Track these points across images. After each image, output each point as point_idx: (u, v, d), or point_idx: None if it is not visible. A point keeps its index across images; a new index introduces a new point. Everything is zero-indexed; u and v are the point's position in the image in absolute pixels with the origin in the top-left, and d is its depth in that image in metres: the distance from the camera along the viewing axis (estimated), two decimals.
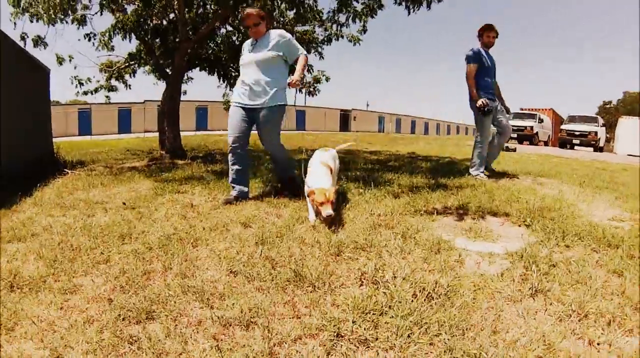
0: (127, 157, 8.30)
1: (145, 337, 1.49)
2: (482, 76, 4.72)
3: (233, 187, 3.61)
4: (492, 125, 4.91)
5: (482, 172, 4.90)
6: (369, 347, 1.45)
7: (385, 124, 46.37)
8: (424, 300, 1.70)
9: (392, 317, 1.59)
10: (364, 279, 1.95)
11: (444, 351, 1.39)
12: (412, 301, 1.69)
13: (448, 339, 1.44)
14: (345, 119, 43.21)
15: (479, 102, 4.59)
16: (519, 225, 2.80)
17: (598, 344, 1.55)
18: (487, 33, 4.78)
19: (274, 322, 1.61)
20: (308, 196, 2.93)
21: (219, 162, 6.31)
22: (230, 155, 3.59)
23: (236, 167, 3.58)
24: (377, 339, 1.47)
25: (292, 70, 3.58)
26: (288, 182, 3.85)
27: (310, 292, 1.85)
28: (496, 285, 1.87)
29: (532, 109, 23.01)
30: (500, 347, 1.43)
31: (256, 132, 3.67)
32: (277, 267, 2.11)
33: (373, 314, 1.61)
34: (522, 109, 22.19)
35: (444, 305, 1.67)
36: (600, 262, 2.24)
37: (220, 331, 1.55)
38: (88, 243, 2.46)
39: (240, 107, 3.54)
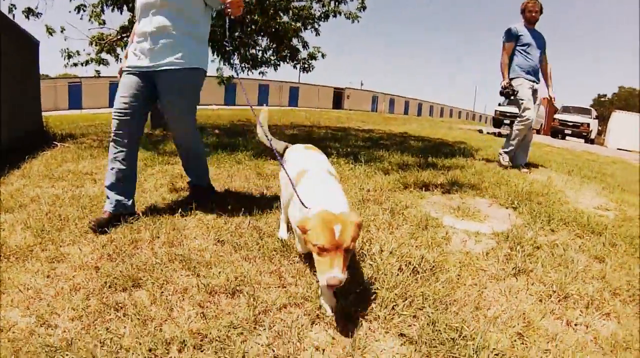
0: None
1: (131, 303, 1.51)
2: (522, 55, 4.52)
3: (107, 197, 2.34)
4: (533, 111, 4.50)
5: (507, 156, 4.66)
6: (353, 317, 1.47)
7: (378, 103, 46.17)
8: (410, 274, 1.73)
9: (378, 289, 1.62)
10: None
11: (427, 324, 1.42)
12: (398, 274, 1.72)
13: (432, 313, 1.48)
14: (338, 97, 42.83)
15: (502, 83, 4.52)
16: (507, 207, 2.85)
17: (576, 325, 1.60)
18: (529, 8, 4.56)
19: (259, 291, 1.63)
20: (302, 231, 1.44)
21: (213, 136, 6.28)
22: (111, 145, 2.35)
23: (117, 165, 2.33)
24: (361, 310, 1.50)
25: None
26: (200, 189, 2.71)
27: (297, 262, 1.87)
28: (481, 264, 1.91)
29: None
30: (482, 322, 1.47)
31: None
32: (264, 237, 2.11)
33: (359, 286, 1.64)
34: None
35: (429, 279, 1.71)
36: (583, 247, 2.30)
37: (205, 298, 1.57)
38: (76, 213, 2.42)
39: (135, 72, 2.32)
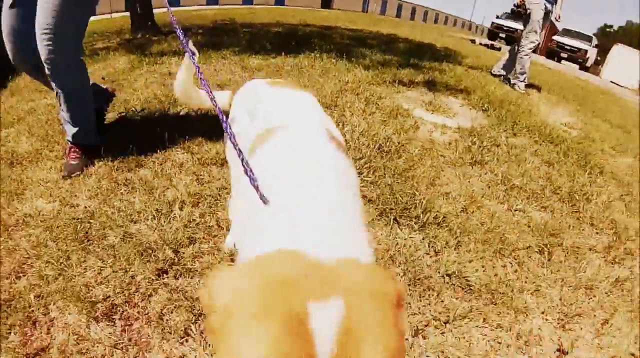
0: (95, 39, 7.64)
1: (137, 179, 1.83)
2: None
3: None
4: (539, 35, 4.61)
5: (522, 82, 4.77)
6: None
7: (369, 4, 43.79)
8: (376, 150, 2.01)
9: None
10: None
11: (386, 189, 1.73)
12: (365, 150, 1.99)
13: (391, 182, 1.79)
14: None
15: (517, 1, 4.52)
16: (477, 109, 3.14)
17: (515, 210, 1.99)
18: None
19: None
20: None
21: (198, 35, 6.09)
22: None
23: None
24: None
25: None
26: (89, 149, 1.99)
27: None
28: (442, 151, 2.22)
29: None
30: (434, 194, 1.81)
31: None
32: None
33: None
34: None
35: (393, 157, 2.00)
36: (538, 152, 2.66)
37: (199, 169, 1.91)
38: None
39: None
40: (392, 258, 1.46)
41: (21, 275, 1.34)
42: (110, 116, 2.47)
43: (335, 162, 0.71)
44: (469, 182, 2.03)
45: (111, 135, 2.24)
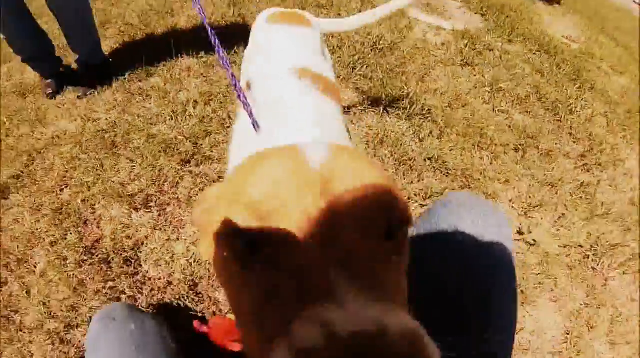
0: None
1: (149, 87, 2.04)
2: None
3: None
4: None
5: None
6: None
7: None
8: (369, 48, 2.14)
9: (341, 56, 2.04)
10: None
11: (378, 82, 1.89)
12: (360, 47, 2.12)
13: (382, 76, 1.95)
14: None
15: None
16: (476, 13, 3.19)
17: (499, 111, 2.18)
18: None
19: None
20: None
21: None
22: None
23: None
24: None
25: None
26: (93, 68, 2.14)
27: None
28: (434, 51, 2.35)
29: None
30: (422, 89, 1.98)
31: None
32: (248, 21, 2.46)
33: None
34: None
35: (385, 54, 2.15)
36: (531, 60, 2.79)
37: (206, 71, 2.13)
38: None
39: None
40: (381, 141, 1.69)
41: (64, 187, 1.62)
42: (112, 32, 2.55)
43: (312, 99, 0.84)
44: (457, 81, 2.20)
45: (116, 51, 2.37)
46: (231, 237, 0.39)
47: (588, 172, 1.99)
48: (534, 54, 2.89)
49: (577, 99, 2.49)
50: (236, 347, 1.13)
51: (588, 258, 1.59)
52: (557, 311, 1.43)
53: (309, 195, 0.36)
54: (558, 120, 2.27)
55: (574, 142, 2.15)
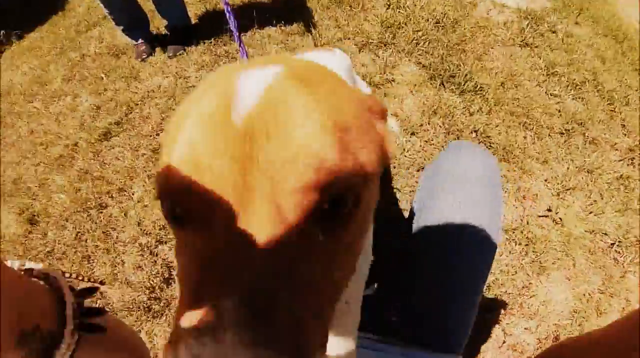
0: None
1: (233, 50, 2.29)
2: None
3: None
4: None
5: None
6: (388, 47, 2.16)
7: None
8: (433, 24, 2.29)
9: (406, 31, 2.22)
10: (390, 3, 2.54)
11: (437, 58, 2.08)
12: (423, 23, 2.28)
13: (442, 52, 2.12)
14: None
15: None
16: None
17: (551, 94, 2.27)
18: None
19: (322, 30, 2.37)
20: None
21: None
22: None
23: None
24: (393, 44, 2.17)
25: None
26: (179, 31, 2.54)
27: (348, 11, 2.51)
28: (495, 30, 2.45)
29: None
30: (478, 67, 2.13)
31: None
32: None
33: (393, 28, 2.26)
34: None
35: (447, 30, 2.29)
36: (596, 46, 2.79)
37: (285, 38, 2.38)
38: None
39: None
40: (434, 112, 1.89)
41: (159, 132, 1.95)
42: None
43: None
44: (514, 62, 2.31)
45: (200, 17, 2.65)
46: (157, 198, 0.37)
47: (632, 166, 1.99)
48: (600, 38, 2.88)
49: (637, 90, 2.46)
50: None
51: (612, 247, 1.64)
52: (569, 289, 1.54)
53: (224, 165, 0.32)
54: (612, 110, 2.28)
55: (625, 135, 2.15)
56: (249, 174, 0.31)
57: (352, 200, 0.34)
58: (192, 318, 0.28)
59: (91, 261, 1.83)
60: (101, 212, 1.94)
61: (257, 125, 0.32)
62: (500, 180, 0.92)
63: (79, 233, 1.93)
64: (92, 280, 0.53)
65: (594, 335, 0.50)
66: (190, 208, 0.33)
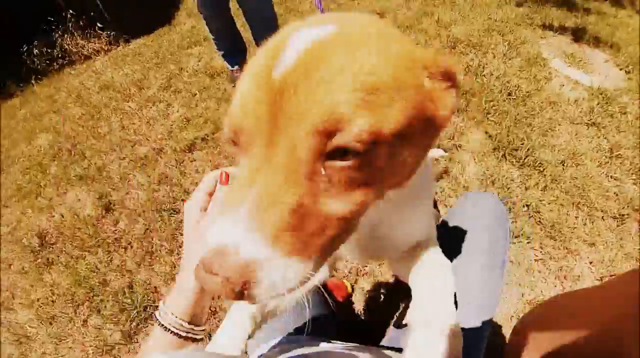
0: None
1: None
2: None
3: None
4: None
5: None
6: (460, 113, 2.38)
7: None
8: (506, 96, 2.47)
9: (479, 99, 2.42)
10: (468, 70, 2.74)
11: (504, 130, 2.26)
12: (496, 94, 2.46)
13: (510, 125, 2.29)
14: None
15: None
16: (621, 69, 3.21)
17: (611, 177, 2.31)
18: None
19: None
20: None
21: None
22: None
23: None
24: (466, 111, 2.38)
25: None
26: None
27: None
28: (565, 107, 2.57)
29: None
30: (542, 143, 2.27)
31: None
32: None
33: (468, 95, 2.48)
34: None
35: (518, 103, 2.46)
36: None
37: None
38: None
39: None
40: (492, 182, 2.06)
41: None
42: None
43: None
44: (578, 141, 2.41)
45: None
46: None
47: None
48: None
49: None
50: (340, 298, 1.73)
51: None
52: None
53: (261, 111, 0.42)
54: None
55: None
56: (278, 119, 0.41)
57: (362, 150, 0.41)
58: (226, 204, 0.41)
59: (153, 257, 2.12)
60: (172, 216, 2.24)
61: (290, 80, 0.41)
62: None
63: (148, 230, 2.23)
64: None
65: (587, 290, 0.57)
66: (240, 139, 0.45)
